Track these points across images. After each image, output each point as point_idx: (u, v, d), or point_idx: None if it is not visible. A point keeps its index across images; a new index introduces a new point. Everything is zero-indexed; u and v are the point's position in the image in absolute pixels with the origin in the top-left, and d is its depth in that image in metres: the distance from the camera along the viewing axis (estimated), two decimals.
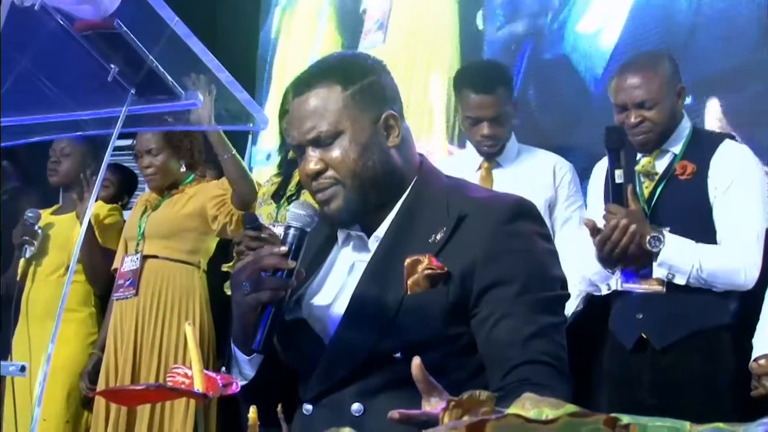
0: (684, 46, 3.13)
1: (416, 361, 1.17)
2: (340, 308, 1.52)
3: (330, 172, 1.51)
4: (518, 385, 1.37)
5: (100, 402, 3.21)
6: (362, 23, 4.18)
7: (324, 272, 1.60)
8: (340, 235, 1.61)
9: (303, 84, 1.55)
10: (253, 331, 1.45)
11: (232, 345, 1.54)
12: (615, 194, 2.48)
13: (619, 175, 2.47)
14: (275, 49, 4.47)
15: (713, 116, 3.08)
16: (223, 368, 1.56)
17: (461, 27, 3.87)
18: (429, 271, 1.45)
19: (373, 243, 1.55)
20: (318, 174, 1.52)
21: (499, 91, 2.90)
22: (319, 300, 1.56)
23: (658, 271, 2.49)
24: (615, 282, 2.60)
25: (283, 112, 3.04)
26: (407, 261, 1.46)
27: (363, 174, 1.51)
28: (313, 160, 1.52)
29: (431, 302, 1.45)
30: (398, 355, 1.44)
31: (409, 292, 1.46)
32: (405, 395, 1.22)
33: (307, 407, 1.53)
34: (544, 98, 3.54)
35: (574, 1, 3.51)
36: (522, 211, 1.51)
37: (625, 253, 2.46)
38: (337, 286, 1.56)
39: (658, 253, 2.46)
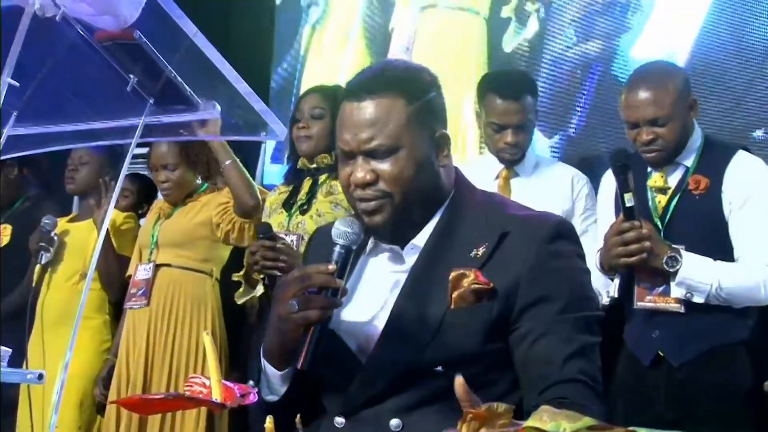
0: (754, 77, 3.05)
1: (459, 380, 1.13)
2: (377, 322, 1.50)
3: (380, 185, 1.49)
4: (555, 403, 1.36)
5: (111, 409, 3.21)
6: (390, 41, 4.17)
7: (353, 283, 1.56)
8: (368, 245, 1.59)
9: (364, 89, 1.51)
10: (292, 347, 1.43)
11: (263, 360, 1.51)
12: (627, 217, 2.46)
13: (628, 199, 2.44)
14: (304, 65, 4.47)
15: None
16: (251, 382, 1.52)
17: (490, 50, 3.85)
18: (476, 286, 1.44)
19: (409, 253, 1.54)
20: (367, 185, 1.49)
21: (526, 98, 2.90)
22: (353, 312, 1.53)
23: (677, 291, 2.45)
24: (614, 289, 2.59)
25: (294, 120, 3.07)
26: (452, 275, 1.45)
27: (413, 191, 1.49)
28: (364, 170, 1.49)
29: (474, 317, 1.44)
30: (439, 368, 1.43)
31: (452, 307, 1.45)
32: (444, 410, 1.21)
33: (339, 420, 1.50)
34: (604, 125, 3.48)
35: (639, 29, 3.45)
36: (563, 231, 1.51)
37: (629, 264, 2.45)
38: (372, 298, 1.53)
39: (675, 273, 2.44)
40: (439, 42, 4.01)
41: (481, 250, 1.47)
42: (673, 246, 2.46)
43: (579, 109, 3.51)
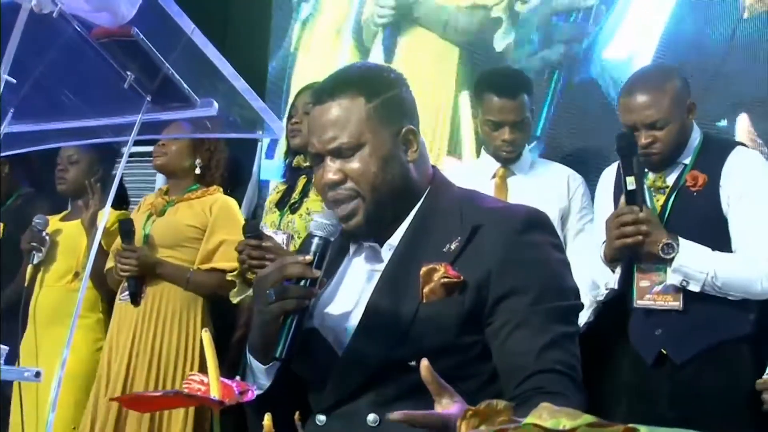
0: (717, 71, 3.09)
1: (424, 363, 1.17)
2: (354, 318, 1.52)
3: (349, 184, 1.52)
4: (532, 393, 1.37)
5: (88, 408, 3.16)
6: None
7: (336, 282, 1.60)
8: (352, 246, 1.61)
9: (325, 93, 1.55)
10: (274, 339, 1.45)
11: (248, 354, 1.54)
12: (628, 201, 2.48)
13: (630, 182, 2.46)
14: (294, 62, 4.47)
15: (745, 137, 3.04)
16: (238, 377, 1.54)
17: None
18: (445, 280, 1.45)
19: (386, 252, 1.56)
20: (336, 184, 1.52)
21: (522, 96, 2.93)
22: (333, 310, 1.56)
23: (673, 278, 2.47)
24: (614, 281, 2.59)
25: (289, 117, 3.07)
26: (423, 269, 1.47)
27: (382, 187, 1.52)
28: (332, 170, 1.52)
29: (446, 311, 1.45)
30: (413, 363, 1.43)
31: (424, 301, 1.46)
32: (421, 404, 1.23)
33: (320, 418, 1.52)
34: (574, 125, 3.49)
35: (603, 27, 3.48)
36: (536, 222, 1.52)
37: (630, 248, 2.47)
38: (350, 296, 1.56)
39: (672, 260, 2.45)
40: (423, 48, 4.01)
41: (453, 245, 1.49)
42: (671, 234, 2.48)
43: (545, 115, 3.53)
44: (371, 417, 1.47)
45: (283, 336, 1.44)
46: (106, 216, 1.74)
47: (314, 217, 1.51)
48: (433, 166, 1.63)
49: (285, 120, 3.20)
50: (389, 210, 1.54)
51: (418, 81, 3.87)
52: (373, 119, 1.52)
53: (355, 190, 1.52)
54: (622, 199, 2.52)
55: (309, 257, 1.46)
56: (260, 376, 1.53)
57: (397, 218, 1.56)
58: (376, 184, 1.51)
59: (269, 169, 4.30)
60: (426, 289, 1.46)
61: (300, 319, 1.45)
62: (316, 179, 1.57)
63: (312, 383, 1.56)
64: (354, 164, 1.51)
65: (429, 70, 3.91)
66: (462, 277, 1.45)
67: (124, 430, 3.08)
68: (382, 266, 1.55)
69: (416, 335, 1.45)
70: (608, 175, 2.79)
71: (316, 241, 1.47)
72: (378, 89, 1.54)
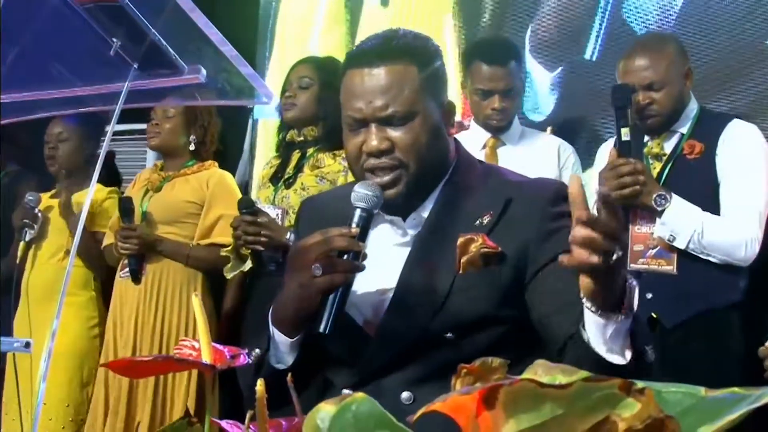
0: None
1: (575, 177, 1.18)
2: (384, 292, 1.50)
3: (396, 154, 1.48)
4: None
5: (99, 385, 3.19)
6: None
7: None
8: None
9: (374, 55, 1.50)
10: (309, 313, 1.41)
11: (272, 328, 1.48)
12: (622, 152, 2.50)
13: (625, 133, 2.48)
14: (277, 12, 4.35)
15: None
16: (257, 350, 1.49)
17: None
18: (484, 250, 1.44)
19: (411, 225, 1.53)
20: (382, 153, 1.47)
21: (512, 64, 2.92)
22: (357, 285, 1.51)
23: (661, 230, 2.50)
24: None
25: (283, 90, 3.04)
26: (460, 240, 1.46)
27: (427, 159, 1.49)
28: (378, 137, 1.47)
29: (483, 282, 1.44)
30: (450, 335, 1.43)
31: (461, 272, 1.45)
32: None
33: (346, 392, 1.46)
34: (611, 59, 3.34)
35: None
36: (565, 194, 1.52)
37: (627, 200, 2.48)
38: (376, 268, 1.50)
39: (662, 212, 2.48)
40: None
41: (486, 219, 1.48)
42: (663, 187, 2.51)
43: (588, 40, 3.44)
44: (405, 395, 1.45)
45: (327, 310, 1.40)
46: (92, 192, 1.72)
47: (355, 188, 1.45)
48: (455, 138, 1.61)
49: (279, 95, 3.17)
50: (427, 182, 1.52)
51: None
52: (424, 90, 1.49)
53: (400, 160, 1.48)
54: (613, 150, 2.53)
55: (355, 229, 1.41)
56: (284, 350, 1.48)
57: (427, 191, 1.54)
58: (422, 156, 1.48)
59: (261, 106, 4.22)
60: (464, 260, 1.45)
61: (344, 293, 1.42)
62: (353, 144, 1.51)
63: (336, 359, 1.53)
64: (402, 133, 1.47)
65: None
66: (499, 248, 1.44)
67: (135, 404, 3.10)
68: (407, 239, 1.53)
69: (453, 307, 1.44)
70: (604, 154, 2.80)
71: (358, 212, 1.43)
72: (428, 60, 1.52)
